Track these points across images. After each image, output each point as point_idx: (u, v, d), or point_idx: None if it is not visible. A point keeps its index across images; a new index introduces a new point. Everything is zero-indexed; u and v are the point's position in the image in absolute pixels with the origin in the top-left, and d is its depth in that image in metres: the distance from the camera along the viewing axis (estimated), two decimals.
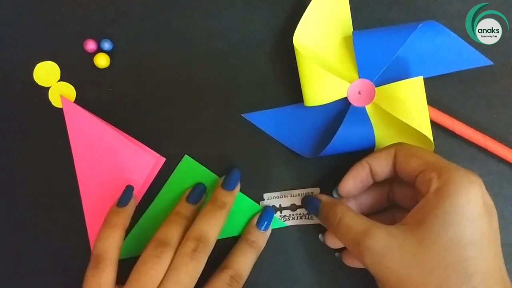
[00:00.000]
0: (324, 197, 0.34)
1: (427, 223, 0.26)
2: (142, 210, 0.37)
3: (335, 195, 0.34)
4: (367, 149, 0.36)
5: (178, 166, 0.37)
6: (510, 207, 0.37)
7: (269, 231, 0.36)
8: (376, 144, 0.35)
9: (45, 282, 0.37)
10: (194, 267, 0.31)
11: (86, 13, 0.38)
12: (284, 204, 0.37)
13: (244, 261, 0.34)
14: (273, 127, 0.37)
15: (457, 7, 0.38)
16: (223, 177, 0.36)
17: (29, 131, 0.38)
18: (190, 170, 0.37)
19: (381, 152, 0.32)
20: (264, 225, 0.36)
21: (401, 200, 0.34)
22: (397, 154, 0.31)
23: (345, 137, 0.34)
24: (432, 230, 0.26)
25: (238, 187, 0.36)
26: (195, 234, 0.32)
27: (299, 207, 0.37)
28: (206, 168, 0.37)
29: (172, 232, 0.32)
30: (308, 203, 0.35)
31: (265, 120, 0.37)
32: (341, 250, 0.36)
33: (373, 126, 0.34)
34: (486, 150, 0.36)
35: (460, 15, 0.37)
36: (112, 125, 0.38)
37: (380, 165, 0.31)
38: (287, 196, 0.37)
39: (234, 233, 0.37)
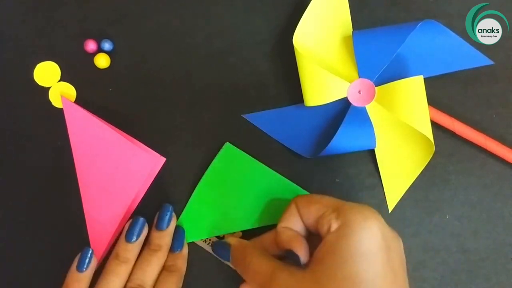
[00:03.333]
0: (234, 241, 0.33)
1: (324, 262, 0.27)
2: (142, 213, 0.37)
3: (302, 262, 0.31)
4: (368, 149, 0.37)
5: (219, 154, 0.37)
6: (510, 207, 0.37)
7: (185, 251, 0.36)
8: (376, 144, 0.35)
9: (45, 282, 0.37)
10: None
11: (87, 13, 0.38)
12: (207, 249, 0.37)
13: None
14: (273, 127, 0.37)
15: (457, 7, 0.38)
16: (156, 215, 0.36)
17: (29, 131, 0.38)
18: (232, 158, 0.37)
19: (286, 212, 0.32)
20: (178, 247, 0.36)
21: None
22: (298, 206, 0.31)
23: (345, 137, 0.34)
24: (328, 268, 0.26)
25: (173, 222, 0.36)
26: (132, 286, 0.33)
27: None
28: (247, 155, 0.37)
29: (110, 285, 0.33)
30: (218, 249, 0.34)
31: (265, 120, 0.37)
32: None
33: (373, 125, 0.34)
34: (486, 150, 0.36)
35: (460, 15, 0.37)
36: (112, 125, 0.38)
37: (295, 225, 0.31)
38: (208, 243, 0.37)
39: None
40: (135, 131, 0.38)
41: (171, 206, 0.36)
